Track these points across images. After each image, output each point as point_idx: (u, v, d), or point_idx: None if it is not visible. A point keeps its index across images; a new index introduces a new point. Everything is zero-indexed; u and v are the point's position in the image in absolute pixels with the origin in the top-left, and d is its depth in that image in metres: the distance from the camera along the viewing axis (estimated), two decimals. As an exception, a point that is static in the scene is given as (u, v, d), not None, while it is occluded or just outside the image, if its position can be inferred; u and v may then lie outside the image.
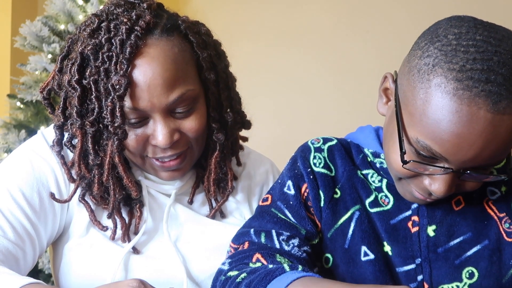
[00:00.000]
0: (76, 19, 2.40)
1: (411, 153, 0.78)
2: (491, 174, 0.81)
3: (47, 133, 1.00)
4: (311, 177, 0.91)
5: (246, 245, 0.88)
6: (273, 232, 0.87)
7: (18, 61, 2.58)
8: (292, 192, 0.91)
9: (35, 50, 2.41)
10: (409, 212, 0.88)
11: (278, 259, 0.83)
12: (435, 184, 0.78)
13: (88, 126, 0.90)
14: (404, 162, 0.77)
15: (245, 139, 1.12)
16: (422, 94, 0.74)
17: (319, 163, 0.93)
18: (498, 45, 0.72)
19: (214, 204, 1.05)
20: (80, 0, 2.41)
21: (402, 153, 0.77)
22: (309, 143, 0.96)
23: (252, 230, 0.89)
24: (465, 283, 0.85)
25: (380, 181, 0.91)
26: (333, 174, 0.92)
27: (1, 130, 2.41)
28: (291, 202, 0.91)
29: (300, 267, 0.77)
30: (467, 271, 0.85)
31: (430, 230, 0.87)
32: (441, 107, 0.72)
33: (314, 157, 0.93)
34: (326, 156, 0.93)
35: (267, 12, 2.92)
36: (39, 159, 0.96)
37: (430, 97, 0.73)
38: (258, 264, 0.82)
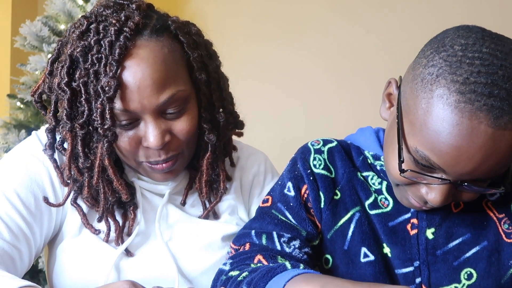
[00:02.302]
0: (76, 19, 2.40)
1: (409, 161, 0.77)
2: (491, 186, 0.79)
3: (41, 134, 1.00)
4: (311, 178, 0.91)
5: (247, 246, 0.88)
6: (274, 234, 0.87)
7: (18, 61, 2.58)
8: (292, 193, 0.91)
9: (35, 50, 2.41)
10: (409, 215, 0.88)
11: (280, 261, 0.82)
12: (432, 193, 0.78)
13: (78, 129, 0.90)
14: (402, 170, 0.76)
15: (240, 134, 1.10)
16: (423, 104, 0.73)
17: (319, 165, 0.92)
18: (504, 59, 0.71)
19: (207, 205, 1.05)
20: (80, 0, 2.41)
21: (400, 161, 0.76)
22: (309, 144, 0.95)
23: (253, 231, 0.89)
24: (464, 284, 0.84)
25: (380, 183, 0.90)
26: (333, 175, 0.92)
27: (1, 130, 2.41)
28: (291, 204, 0.91)
29: (301, 266, 0.77)
30: (466, 272, 0.85)
31: (429, 233, 0.86)
32: (441, 119, 0.71)
33: (314, 159, 0.93)
34: (326, 157, 0.93)
35: (267, 11, 2.91)
36: (34, 160, 0.96)
37: (431, 107, 0.72)
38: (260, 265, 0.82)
